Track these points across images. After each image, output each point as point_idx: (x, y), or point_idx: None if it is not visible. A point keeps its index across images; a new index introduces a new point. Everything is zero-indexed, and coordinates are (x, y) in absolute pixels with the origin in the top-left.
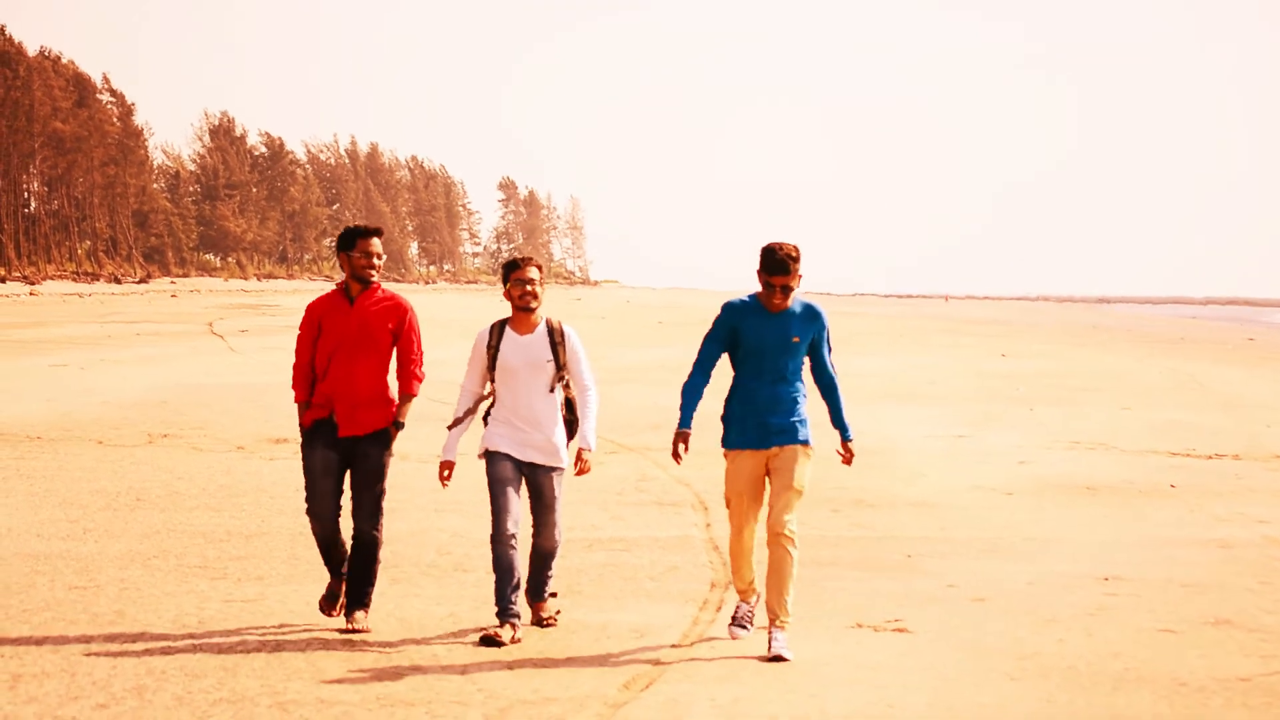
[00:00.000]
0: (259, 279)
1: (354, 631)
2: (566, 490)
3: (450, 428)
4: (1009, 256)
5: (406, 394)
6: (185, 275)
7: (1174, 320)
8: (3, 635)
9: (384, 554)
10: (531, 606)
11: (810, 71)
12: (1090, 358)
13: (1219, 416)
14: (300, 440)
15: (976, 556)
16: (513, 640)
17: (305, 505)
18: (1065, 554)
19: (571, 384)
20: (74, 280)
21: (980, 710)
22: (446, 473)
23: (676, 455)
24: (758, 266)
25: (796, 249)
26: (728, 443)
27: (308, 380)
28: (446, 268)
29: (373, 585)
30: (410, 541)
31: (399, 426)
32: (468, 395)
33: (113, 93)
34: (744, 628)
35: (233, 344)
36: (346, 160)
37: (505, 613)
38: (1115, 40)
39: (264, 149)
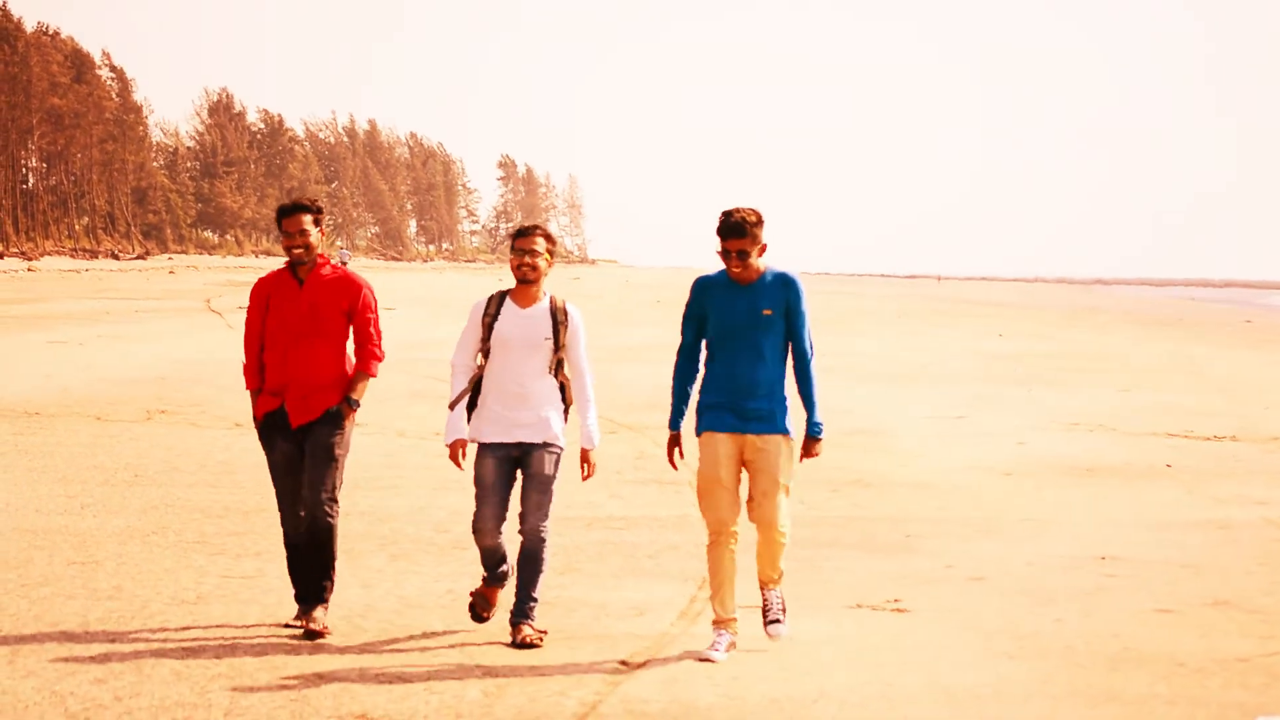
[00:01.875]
0: (257, 256)
1: (313, 634)
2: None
3: (451, 407)
4: (1004, 237)
5: (364, 372)
6: (183, 252)
7: (1172, 302)
8: (1, 609)
9: (384, 530)
10: (512, 627)
11: (823, 47)
12: (1088, 339)
13: (1217, 398)
14: (257, 434)
15: (974, 537)
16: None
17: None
18: (1063, 534)
19: (568, 367)
20: (72, 256)
21: (978, 689)
22: (461, 452)
23: (673, 462)
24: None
25: (756, 213)
26: (700, 426)
27: (259, 365)
28: (445, 246)
29: (330, 579)
30: (409, 519)
31: (352, 404)
32: (462, 371)
33: (112, 68)
34: (719, 651)
35: (230, 321)
36: (345, 138)
37: (495, 578)
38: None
39: (262, 126)
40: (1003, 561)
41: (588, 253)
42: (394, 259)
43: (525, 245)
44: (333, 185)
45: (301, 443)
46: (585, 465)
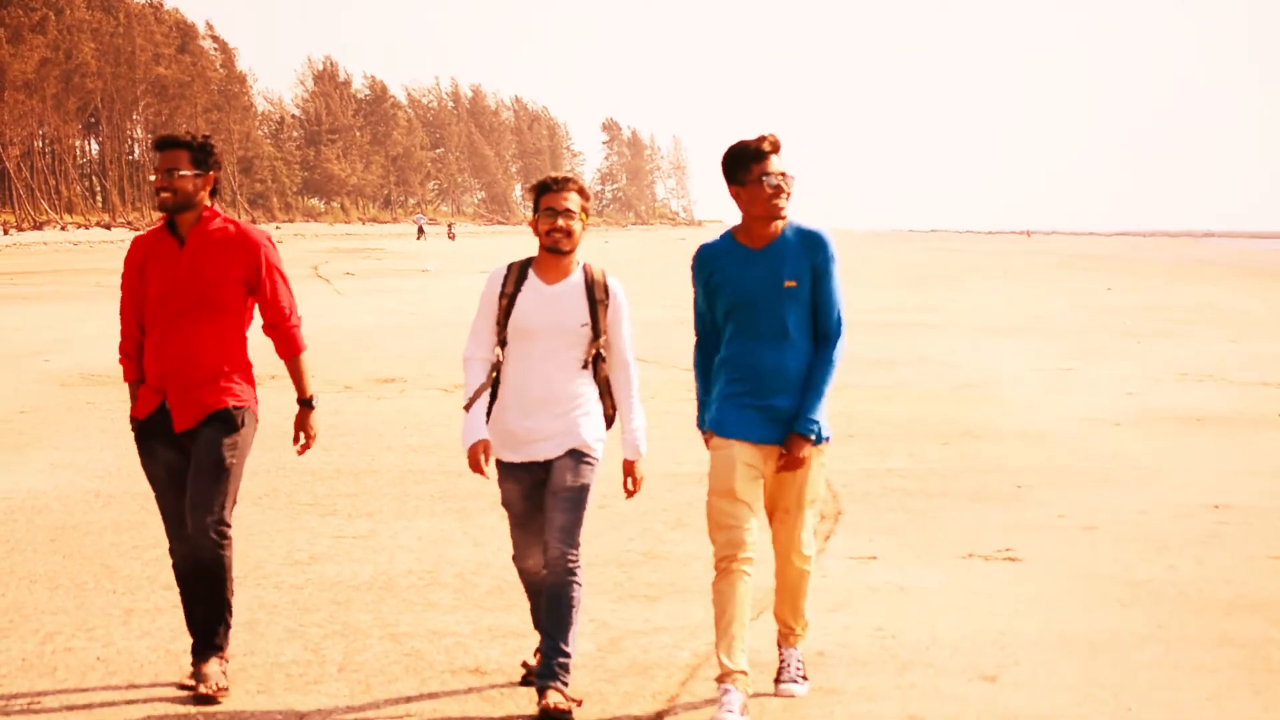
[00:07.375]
0: (363, 223)
1: (204, 698)
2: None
3: (466, 408)
4: (1110, 191)
5: (292, 355)
6: (290, 220)
7: None
8: (115, 571)
9: (493, 489)
10: (538, 692)
11: (907, 21)
12: (1198, 292)
13: None
14: (135, 439)
15: (1086, 486)
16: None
17: (165, 532)
18: (1175, 483)
19: (607, 358)
20: None
21: (1091, 634)
22: (483, 457)
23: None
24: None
25: (774, 139)
26: (716, 427)
27: (137, 346)
28: None
29: (226, 621)
30: None
31: (308, 405)
32: (477, 365)
33: (215, 39)
34: (732, 712)
35: (338, 287)
36: (449, 103)
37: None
38: None
39: (368, 92)
40: (1115, 510)
41: (694, 214)
42: (500, 223)
43: (557, 203)
44: (438, 151)
45: (188, 451)
46: (629, 479)
